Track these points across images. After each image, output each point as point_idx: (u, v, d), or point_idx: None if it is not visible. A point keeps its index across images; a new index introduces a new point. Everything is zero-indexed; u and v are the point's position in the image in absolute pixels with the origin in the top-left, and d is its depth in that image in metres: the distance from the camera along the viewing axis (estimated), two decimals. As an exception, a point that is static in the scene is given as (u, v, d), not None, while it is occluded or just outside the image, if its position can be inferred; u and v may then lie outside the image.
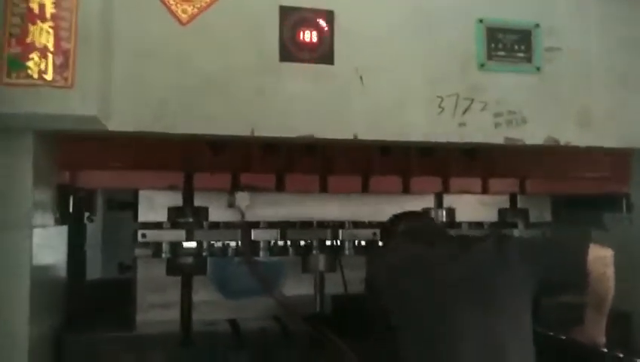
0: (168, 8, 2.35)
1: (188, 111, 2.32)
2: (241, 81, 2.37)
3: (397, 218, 2.79)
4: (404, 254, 2.46)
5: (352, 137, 2.46)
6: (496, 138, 2.62)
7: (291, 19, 2.43)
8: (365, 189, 3.10)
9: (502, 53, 2.64)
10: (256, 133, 2.38)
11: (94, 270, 3.58)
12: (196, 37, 2.35)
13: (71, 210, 2.79)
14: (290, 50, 2.43)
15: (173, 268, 2.93)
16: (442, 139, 2.57)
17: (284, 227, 3.05)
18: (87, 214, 3.20)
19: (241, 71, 2.38)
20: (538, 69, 2.67)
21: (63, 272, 2.94)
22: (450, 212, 3.30)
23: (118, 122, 2.27)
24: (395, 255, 2.50)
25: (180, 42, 2.33)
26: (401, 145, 2.63)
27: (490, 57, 2.62)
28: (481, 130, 2.60)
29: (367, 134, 2.48)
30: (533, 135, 2.66)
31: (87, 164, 2.70)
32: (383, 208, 3.09)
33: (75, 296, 3.07)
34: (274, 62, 2.41)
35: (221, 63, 2.36)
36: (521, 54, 2.66)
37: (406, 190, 3.15)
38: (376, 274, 2.53)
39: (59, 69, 2.12)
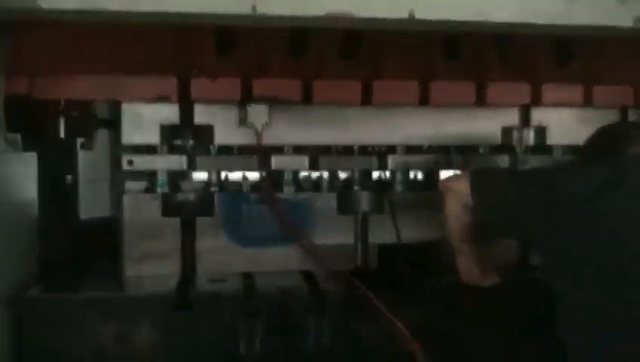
0: None
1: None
2: None
3: None
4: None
5: (405, 16, 1.64)
6: (624, 18, 1.75)
7: None
8: (424, 101, 2.33)
9: None
10: (260, 11, 1.58)
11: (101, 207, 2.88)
12: None
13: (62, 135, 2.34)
14: None
15: (170, 207, 2.29)
16: (541, 20, 1.71)
17: (314, 153, 2.32)
18: (80, 140, 2.50)
19: None
20: None
21: (29, 212, 2.26)
22: (540, 132, 2.48)
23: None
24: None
25: None
26: (482, 29, 1.76)
27: None
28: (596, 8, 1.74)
29: (428, 12, 1.65)
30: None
31: (44, 68, 2.02)
32: (448, 126, 2.38)
33: (57, 240, 2.42)
34: None
35: None
36: None
37: (481, 101, 2.36)
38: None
39: None
